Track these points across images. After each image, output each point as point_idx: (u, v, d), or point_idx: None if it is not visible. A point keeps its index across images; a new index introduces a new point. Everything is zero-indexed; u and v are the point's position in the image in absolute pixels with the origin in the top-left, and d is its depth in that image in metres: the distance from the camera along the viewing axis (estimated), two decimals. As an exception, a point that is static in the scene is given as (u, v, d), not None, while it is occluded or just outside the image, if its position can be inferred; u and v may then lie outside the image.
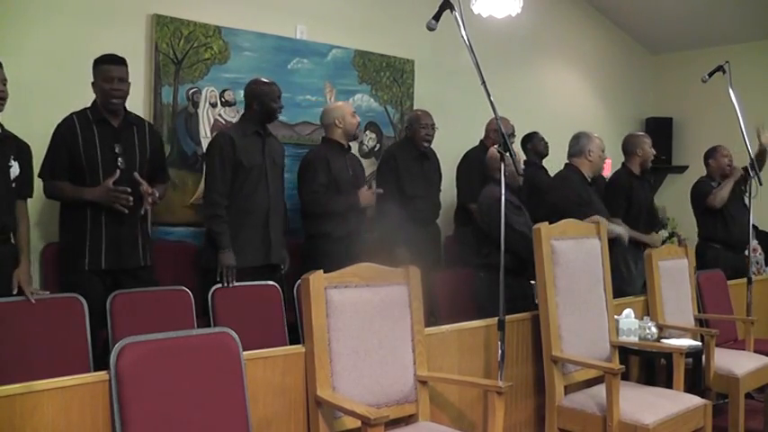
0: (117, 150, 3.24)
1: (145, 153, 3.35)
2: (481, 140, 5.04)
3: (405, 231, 4.15)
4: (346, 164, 4.01)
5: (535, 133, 5.48)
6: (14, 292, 2.87)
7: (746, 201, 4.82)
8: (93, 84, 3.24)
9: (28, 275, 2.97)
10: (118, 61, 3.22)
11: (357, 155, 4.99)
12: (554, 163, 4.40)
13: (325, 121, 4.07)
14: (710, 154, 5.20)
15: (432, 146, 4.62)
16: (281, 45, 4.62)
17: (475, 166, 4.77)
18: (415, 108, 5.17)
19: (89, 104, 3.27)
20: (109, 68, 3.19)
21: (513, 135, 4.84)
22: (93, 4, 3.87)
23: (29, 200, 3.13)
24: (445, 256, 5.03)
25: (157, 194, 3.27)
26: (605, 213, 3.64)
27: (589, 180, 4.18)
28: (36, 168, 3.18)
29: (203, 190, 3.70)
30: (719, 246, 5.05)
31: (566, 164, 4.28)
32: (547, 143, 5.44)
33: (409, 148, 4.56)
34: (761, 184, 4.40)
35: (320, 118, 4.16)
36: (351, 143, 4.15)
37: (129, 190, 3.12)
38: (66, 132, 3.19)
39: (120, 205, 3.10)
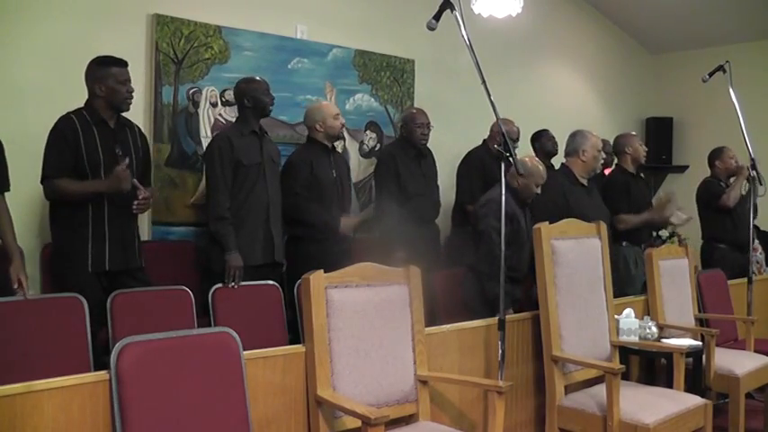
0: (118, 152, 3.20)
1: (138, 155, 3.33)
2: (484, 140, 4.97)
3: (405, 231, 4.12)
4: (330, 165, 3.97)
5: (545, 131, 5.39)
6: (15, 287, 2.83)
7: (752, 200, 4.80)
8: (96, 85, 3.14)
9: (23, 269, 2.90)
10: (126, 63, 3.23)
11: (357, 154, 5.01)
12: (556, 164, 4.37)
13: (307, 122, 4.02)
14: (716, 155, 5.20)
15: (431, 145, 4.60)
16: (281, 45, 4.61)
17: (476, 166, 4.77)
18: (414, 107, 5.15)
19: (82, 105, 3.21)
20: (122, 71, 3.19)
21: (517, 140, 4.77)
22: (93, 4, 3.87)
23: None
24: (444, 256, 5.00)
25: (151, 200, 3.28)
26: (587, 218, 3.60)
27: (583, 181, 4.06)
28: (21, 165, 3.08)
29: (205, 193, 3.72)
30: (726, 246, 5.03)
31: (561, 164, 4.23)
32: (556, 141, 5.30)
33: (407, 148, 4.48)
34: (761, 184, 4.39)
35: (303, 117, 4.11)
36: (337, 143, 4.13)
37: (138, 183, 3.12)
38: (67, 131, 3.11)
39: (123, 187, 3.05)
